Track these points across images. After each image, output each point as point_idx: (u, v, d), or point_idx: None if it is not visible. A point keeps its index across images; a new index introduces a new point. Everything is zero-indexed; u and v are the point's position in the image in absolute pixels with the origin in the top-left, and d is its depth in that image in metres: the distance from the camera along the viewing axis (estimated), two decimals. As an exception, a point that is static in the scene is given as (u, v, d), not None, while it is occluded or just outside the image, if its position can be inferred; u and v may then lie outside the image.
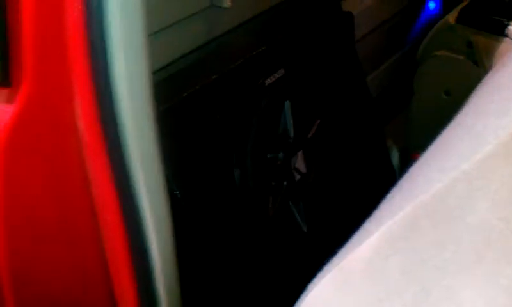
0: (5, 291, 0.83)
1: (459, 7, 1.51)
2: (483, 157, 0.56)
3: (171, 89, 1.13)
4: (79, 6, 0.69)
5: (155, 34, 1.05)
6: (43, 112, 0.76)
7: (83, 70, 0.72)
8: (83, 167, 0.78)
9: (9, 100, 0.74)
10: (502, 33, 1.41)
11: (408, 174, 0.72)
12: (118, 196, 0.79)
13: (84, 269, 0.86)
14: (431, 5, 1.87)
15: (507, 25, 1.40)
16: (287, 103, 1.32)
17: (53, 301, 0.87)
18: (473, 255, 0.51)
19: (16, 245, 0.80)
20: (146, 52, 0.77)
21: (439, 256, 0.52)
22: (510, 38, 1.41)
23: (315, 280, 0.61)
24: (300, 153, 1.35)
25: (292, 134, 1.32)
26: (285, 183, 1.32)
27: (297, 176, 1.35)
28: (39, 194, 0.80)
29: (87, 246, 0.84)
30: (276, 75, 1.30)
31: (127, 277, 0.85)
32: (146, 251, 0.84)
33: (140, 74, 0.76)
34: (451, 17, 1.49)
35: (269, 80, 1.28)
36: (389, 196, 0.69)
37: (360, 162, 1.55)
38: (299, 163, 1.36)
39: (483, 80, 0.85)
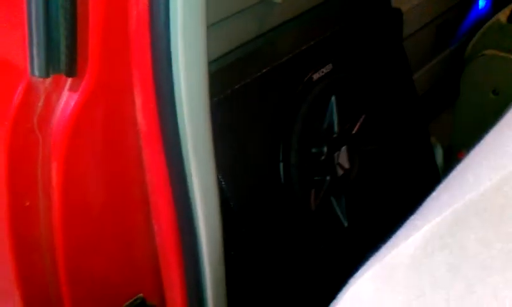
0: (62, 286, 0.86)
1: (511, 6, 1.49)
2: None
3: (222, 82, 1.15)
4: (144, 4, 0.72)
5: (209, 27, 1.08)
6: (106, 102, 0.79)
7: (145, 63, 0.75)
8: (140, 157, 0.81)
9: (73, 89, 0.77)
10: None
11: (456, 172, 0.72)
12: (171, 188, 0.81)
13: (136, 265, 0.89)
14: (481, 3, 1.85)
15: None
16: (333, 98, 1.33)
17: (106, 297, 0.90)
18: None
19: (72, 233, 0.84)
20: (205, 47, 0.79)
21: (485, 253, 0.53)
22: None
23: (356, 275, 0.62)
24: (344, 149, 1.36)
25: (336, 129, 1.33)
26: (327, 178, 1.33)
27: (340, 172, 1.35)
28: (97, 183, 0.83)
29: (139, 239, 0.87)
30: (324, 70, 1.31)
31: (176, 267, 0.87)
32: (197, 249, 0.87)
33: (198, 69, 0.79)
34: (502, 16, 1.47)
35: (316, 75, 1.30)
36: (435, 193, 0.69)
37: (403, 160, 1.55)
38: (343, 158, 1.36)
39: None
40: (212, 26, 1.11)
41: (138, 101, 0.78)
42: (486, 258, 0.53)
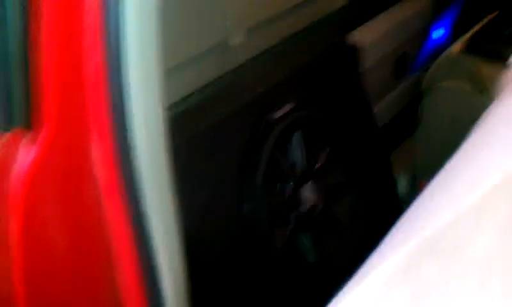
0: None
1: (465, 37, 1.54)
2: (487, 191, 0.57)
3: (184, 125, 1.15)
4: (99, 53, 0.73)
5: (170, 70, 1.09)
6: (64, 155, 0.79)
7: (102, 115, 0.75)
8: (100, 207, 0.80)
9: (31, 143, 0.77)
10: (506, 62, 1.43)
11: (414, 207, 0.73)
12: (133, 235, 0.81)
13: (99, 304, 0.88)
14: (437, 34, 1.90)
15: (512, 55, 1.42)
16: (296, 135, 1.34)
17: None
18: (477, 287, 0.53)
19: (33, 287, 0.82)
20: (162, 94, 0.80)
21: (445, 286, 0.54)
22: (514, 68, 1.43)
23: None
24: (309, 184, 1.37)
25: (300, 165, 1.35)
26: (294, 213, 1.34)
27: (306, 207, 1.36)
28: (57, 234, 0.82)
29: (101, 283, 0.86)
30: (286, 108, 1.33)
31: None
32: (159, 288, 0.86)
33: (157, 119, 0.79)
34: (456, 48, 1.51)
35: (278, 114, 1.31)
36: (396, 228, 0.70)
37: (366, 191, 1.57)
38: (308, 194, 1.38)
39: (488, 110, 0.87)
40: (171, 70, 1.12)
41: (96, 152, 0.77)
42: (446, 291, 0.54)
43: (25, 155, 0.77)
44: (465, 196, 0.60)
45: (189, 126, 1.17)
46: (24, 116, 0.76)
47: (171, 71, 1.08)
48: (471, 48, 1.50)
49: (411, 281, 0.58)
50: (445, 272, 0.56)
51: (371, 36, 1.62)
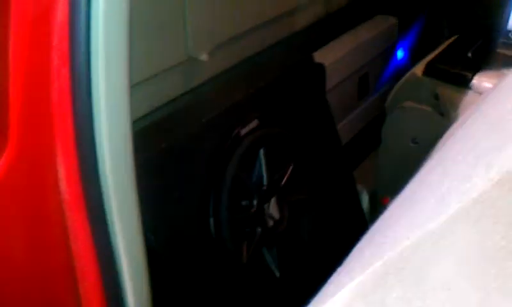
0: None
1: (426, 59, 1.58)
2: (447, 219, 0.59)
3: (149, 140, 1.15)
4: (66, 68, 0.72)
5: (134, 86, 1.09)
6: (27, 173, 0.78)
7: (67, 133, 0.75)
8: (63, 223, 0.79)
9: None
10: (466, 86, 1.47)
11: (376, 226, 0.74)
12: (96, 252, 0.80)
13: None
14: (399, 54, 1.94)
15: (472, 78, 1.46)
16: (261, 152, 1.35)
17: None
18: None
19: None
20: (128, 109, 0.80)
21: None
22: (474, 90, 1.47)
23: None
24: (273, 200, 1.38)
25: (265, 182, 1.36)
26: (258, 229, 1.35)
27: (271, 223, 1.38)
28: (20, 252, 0.81)
29: (64, 299, 0.85)
30: (251, 125, 1.34)
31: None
32: (123, 300, 0.86)
33: (121, 135, 0.79)
34: (418, 70, 1.55)
35: (243, 130, 1.32)
36: (359, 247, 0.71)
37: (331, 207, 1.59)
38: (273, 209, 1.39)
39: (448, 132, 0.89)
40: (139, 84, 1.12)
41: (61, 170, 0.77)
42: None
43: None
44: (425, 223, 0.62)
45: (153, 142, 1.17)
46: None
47: (135, 86, 1.08)
48: (432, 71, 1.54)
49: (374, 303, 0.59)
50: (407, 296, 0.57)
51: (335, 55, 1.65)
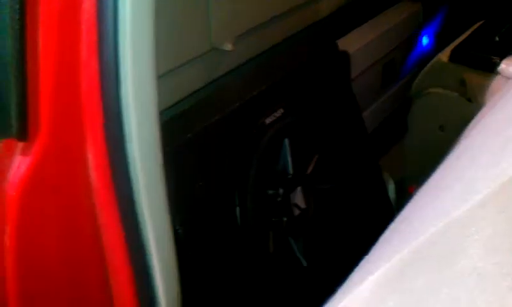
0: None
1: (452, 45, 1.56)
2: (474, 205, 0.58)
3: (175, 131, 1.16)
4: (94, 61, 0.73)
5: (159, 77, 1.09)
6: (58, 164, 0.79)
7: (96, 122, 0.76)
8: (93, 214, 0.80)
9: (25, 153, 0.77)
10: (494, 70, 1.45)
11: (403, 215, 0.74)
12: (127, 243, 0.81)
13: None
14: (424, 41, 1.92)
15: (499, 62, 1.44)
16: (286, 141, 1.35)
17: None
18: (466, 300, 0.54)
19: (27, 296, 0.82)
20: (156, 100, 0.81)
21: (433, 298, 0.55)
22: (502, 75, 1.45)
23: None
24: (299, 189, 1.38)
25: (291, 171, 1.36)
26: (284, 219, 1.35)
27: (297, 212, 1.37)
28: (51, 244, 0.82)
29: (95, 289, 0.86)
30: (276, 114, 1.34)
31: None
32: (152, 292, 0.87)
33: (150, 122, 0.80)
34: (444, 55, 1.53)
35: (269, 119, 1.32)
36: (386, 235, 0.71)
37: (357, 196, 1.58)
38: (299, 199, 1.39)
39: (476, 118, 0.88)
40: (164, 75, 1.13)
41: (91, 159, 0.78)
42: (434, 303, 0.55)
43: (19, 166, 0.77)
44: (452, 210, 0.61)
45: (178, 133, 1.17)
46: (18, 127, 0.76)
47: (160, 77, 1.09)
48: (458, 57, 1.52)
49: (401, 290, 0.58)
50: (434, 283, 0.57)
51: (359, 43, 1.64)
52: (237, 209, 1.27)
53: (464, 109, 1.47)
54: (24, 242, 0.80)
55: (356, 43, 1.62)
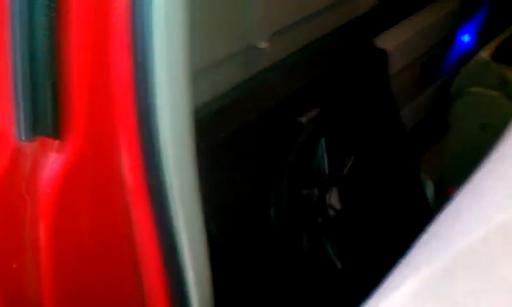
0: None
1: (493, 43, 1.52)
2: None
3: (210, 129, 1.15)
4: (127, 59, 0.73)
5: (194, 75, 1.09)
6: (92, 161, 0.79)
7: (129, 120, 0.76)
8: (127, 213, 0.81)
9: (59, 151, 0.78)
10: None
11: (443, 217, 0.72)
12: (159, 242, 0.81)
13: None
14: (465, 39, 1.88)
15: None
16: (322, 141, 1.33)
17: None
18: None
19: (62, 291, 0.83)
20: (190, 98, 0.80)
21: (474, 305, 0.53)
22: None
23: None
24: (335, 190, 1.36)
25: (326, 171, 1.34)
26: (319, 219, 1.33)
27: (332, 213, 1.36)
28: (85, 241, 0.83)
29: (128, 288, 0.86)
30: (312, 113, 1.32)
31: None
32: (185, 292, 0.86)
33: (183, 124, 0.79)
34: (485, 54, 1.49)
35: (304, 119, 1.31)
36: (425, 239, 0.69)
37: (394, 197, 1.56)
38: (334, 199, 1.37)
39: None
40: (199, 72, 1.12)
41: (124, 158, 0.78)
42: None
43: (54, 164, 0.78)
44: (495, 215, 0.59)
45: (213, 132, 1.17)
46: (53, 126, 0.76)
47: (197, 74, 1.08)
48: (500, 55, 1.48)
49: (441, 297, 0.57)
50: (475, 290, 0.55)
51: (397, 40, 1.61)
52: (272, 209, 1.26)
53: (506, 109, 1.43)
54: (59, 240, 0.80)
55: (394, 41, 1.59)
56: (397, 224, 1.52)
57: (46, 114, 0.76)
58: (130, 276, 0.84)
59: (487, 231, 0.57)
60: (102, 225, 0.83)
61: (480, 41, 1.77)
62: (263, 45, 1.24)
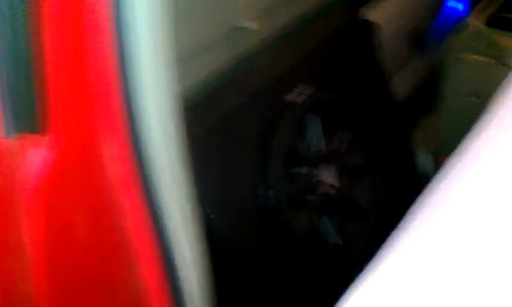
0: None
1: (485, 10, 1.49)
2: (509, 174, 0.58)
3: (201, 112, 1.14)
4: (107, 47, 0.71)
5: (182, 58, 1.07)
6: (77, 157, 0.78)
7: (114, 111, 0.75)
8: (116, 205, 0.80)
9: (45, 147, 0.76)
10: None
11: (433, 187, 0.73)
12: (150, 230, 0.80)
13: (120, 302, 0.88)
14: (455, 6, 1.85)
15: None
16: (314, 117, 1.32)
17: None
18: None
19: (55, 287, 0.82)
20: (175, 84, 0.79)
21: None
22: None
23: (345, 296, 0.63)
24: (332, 167, 1.35)
25: (319, 147, 1.33)
26: (317, 197, 1.32)
27: (330, 190, 1.35)
28: (76, 232, 0.82)
29: (122, 280, 0.85)
30: (304, 91, 1.31)
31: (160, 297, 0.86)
32: (181, 279, 0.86)
33: (170, 109, 0.78)
34: (476, 20, 1.47)
35: (297, 97, 1.29)
36: (415, 209, 0.70)
37: (388, 170, 1.55)
38: (331, 177, 1.36)
39: (508, 82, 0.84)
40: (185, 57, 1.10)
41: (110, 148, 0.77)
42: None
43: (39, 160, 0.77)
44: (485, 178, 0.61)
45: (204, 114, 1.16)
46: (34, 121, 0.76)
47: (184, 57, 1.07)
48: (492, 21, 1.45)
49: (432, 264, 0.59)
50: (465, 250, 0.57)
51: (385, 11, 1.59)
52: (270, 188, 1.25)
53: (498, 74, 1.41)
54: (48, 236, 0.80)
55: (381, 12, 1.57)
56: (390, 196, 1.51)
57: (29, 110, 0.75)
58: (124, 266, 0.84)
59: (477, 198, 0.60)
60: (91, 219, 0.82)
61: (471, 8, 1.75)
62: (252, 25, 1.23)
